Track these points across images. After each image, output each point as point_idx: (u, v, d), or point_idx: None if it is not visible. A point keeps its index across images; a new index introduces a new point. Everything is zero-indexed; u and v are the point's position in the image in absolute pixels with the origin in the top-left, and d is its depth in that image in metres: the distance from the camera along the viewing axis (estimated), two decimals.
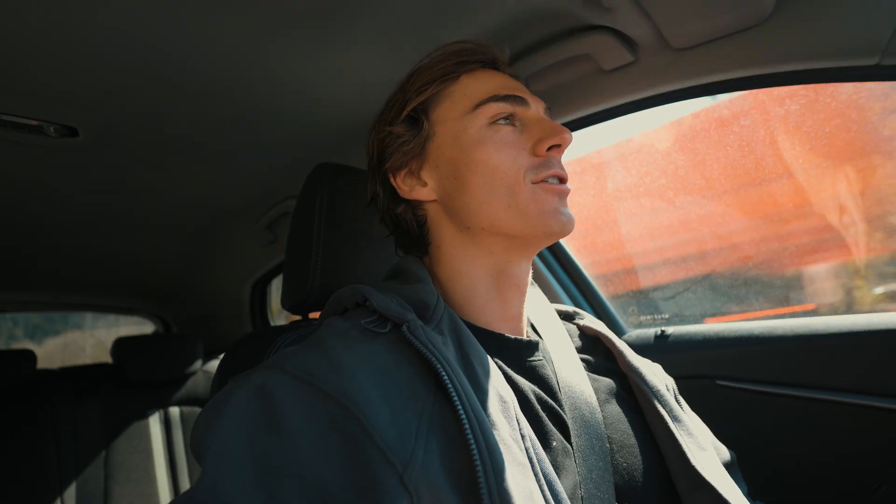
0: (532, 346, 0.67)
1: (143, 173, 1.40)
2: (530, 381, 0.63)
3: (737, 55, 0.87)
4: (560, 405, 0.62)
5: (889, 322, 0.92)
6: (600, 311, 1.37)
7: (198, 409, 1.94)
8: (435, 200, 0.70)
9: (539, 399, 0.61)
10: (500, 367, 0.61)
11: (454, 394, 0.50)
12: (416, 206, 0.72)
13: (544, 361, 0.67)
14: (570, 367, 0.68)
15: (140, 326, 2.69)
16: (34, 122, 1.11)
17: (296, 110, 1.19)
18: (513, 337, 0.67)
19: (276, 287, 2.26)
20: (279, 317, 2.34)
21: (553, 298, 1.36)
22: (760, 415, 1.04)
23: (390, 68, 1.03)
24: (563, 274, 1.39)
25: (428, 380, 0.53)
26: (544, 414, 0.60)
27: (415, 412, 0.50)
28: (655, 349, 1.21)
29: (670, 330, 1.23)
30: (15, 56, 0.91)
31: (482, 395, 0.53)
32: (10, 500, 1.53)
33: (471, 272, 0.68)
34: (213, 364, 2.07)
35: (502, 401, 0.54)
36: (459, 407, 0.49)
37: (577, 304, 1.39)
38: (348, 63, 1.03)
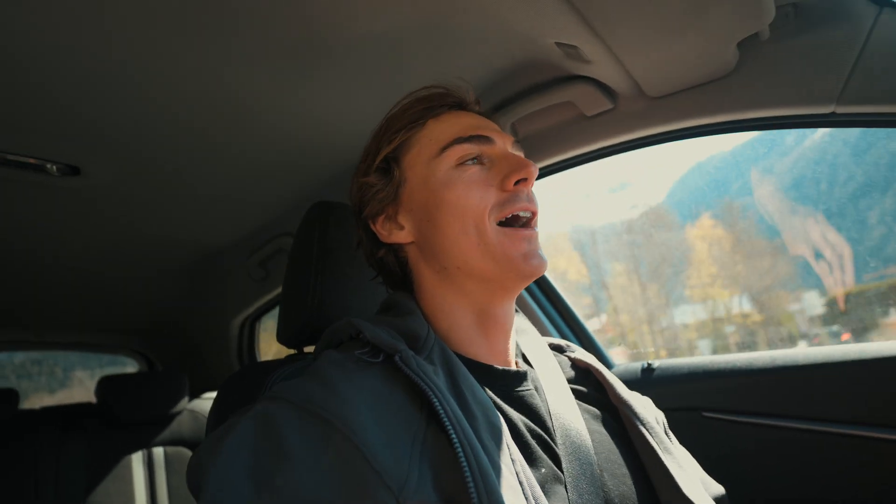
0: (521, 377, 0.69)
1: (139, 211, 1.43)
2: (519, 411, 0.65)
3: (707, 103, 0.94)
4: (549, 433, 0.64)
5: (865, 352, 0.96)
6: (587, 345, 1.40)
7: (182, 450, 1.89)
8: (413, 242, 0.73)
9: (528, 428, 0.63)
10: (489, 396, 0.63)
11: (446, 419, 0.52)
12: (396, 248, 0.75)
13: (533, 391, 0.69)
14: (560, 396, 0.70)
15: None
16: (34, 161, 1.14)
17: (289, 151, 1.24)
18: (501, 368, 0.68)
19: (264, 325, 2.25)
20: (267, 355, 2.32)
21: (542, 332, 1.39)
22: (746, 445, 1.06)
23: (380, 111, 1.08)
24: (550, 308, 1.42)
25: (421, 407, 0.55)
26: (534, 441, 0.61)
27: (408, 437, 0.52)
28: (642, 382, 1.23)
29: (657, 363, 1.26)
30: (17, 95, 0.94)
31: (473, 420, 0.55)
32: None
33: (453, 311, 0.70)
34: (199, 403, 2.03)
35: (492, 426, 0.56)
36: (452, 432, 0.51)
37: (564, 338, 1.41)
38: (338, 106, 1.08)
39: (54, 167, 1.15)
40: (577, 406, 0.70)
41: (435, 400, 0.53)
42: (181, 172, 1.28)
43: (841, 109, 0.84)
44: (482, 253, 0.66)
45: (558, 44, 0.87)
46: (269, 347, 2.32)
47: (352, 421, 0.50)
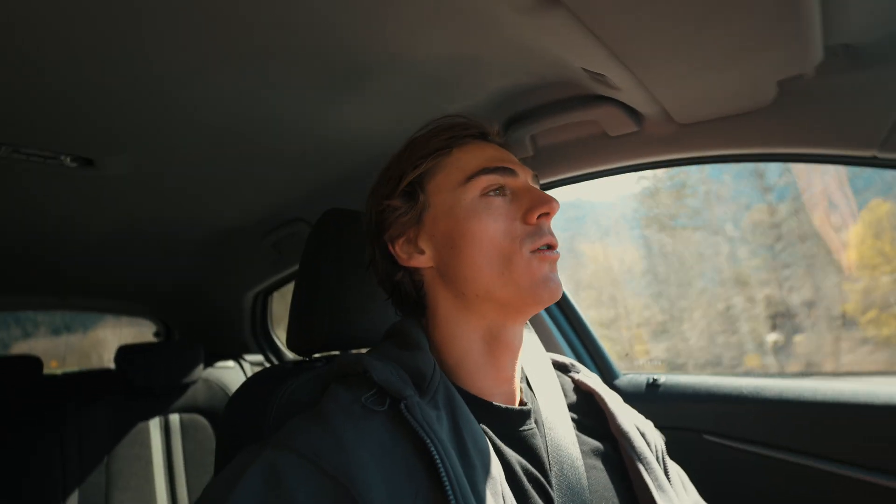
0: (523, 416, 0.70)
1: (154, 197, 1.43)
2: (518, 452, 0.66)
3: (738, 134, 0.89)
4: (546, 474, 0.66)
5: (876, 396, 0.94)
6: (594, 352, 1.40)
7: (197, 417, 1.98)
8: (432, 267, 0.73)
9: (525, 470, 0.65)
10: (489, 437, 0.65)
11: (445, 479, 0.54)
12: (413, 272, 0.75)
13: (534, 429, 0.70)
14: (560, 430, 0.71)
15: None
16: (49, 154, 1.13)
17: (307, 148, 1.22)
18: (504, 407, 0.69)
19: (276, 298, 2.32)
20: (279, 326, 2.40)
21: (547, 338, 1.39)
22: (745, 473, 1.07)
23: (396, 122, 1.05)
24: (557, 313, 1.42)
25: (423, 457, 0.57)
26: (529, 485, 0.63)
27: (410, 493, 0.54)
28: (646, 397, 1.24)
29: (662, 378, 1.26)
30: (29, 91, 0.93)
31: (471, 470, 0.57)
32: None
33: (465, 336, 0.71)
34: (213, 372, 2.10)
35: (490, 476, 0.58)
36: (450, 492, 0.53)
37: (570, 343, 1.42)
38: (358, 116, 1.06)
39: (68, 159, 1.15)
40: (576, 440, 0.71)
41: (437, 458, 0.55)
42: (195, 164, 1.28)
43: (884, 155, 0.79)
44: (505, 281, 0.67)
45: (585, 70, 0.82)
46: (282, 318, 2.39)
47: (358, 480, 0.52)
